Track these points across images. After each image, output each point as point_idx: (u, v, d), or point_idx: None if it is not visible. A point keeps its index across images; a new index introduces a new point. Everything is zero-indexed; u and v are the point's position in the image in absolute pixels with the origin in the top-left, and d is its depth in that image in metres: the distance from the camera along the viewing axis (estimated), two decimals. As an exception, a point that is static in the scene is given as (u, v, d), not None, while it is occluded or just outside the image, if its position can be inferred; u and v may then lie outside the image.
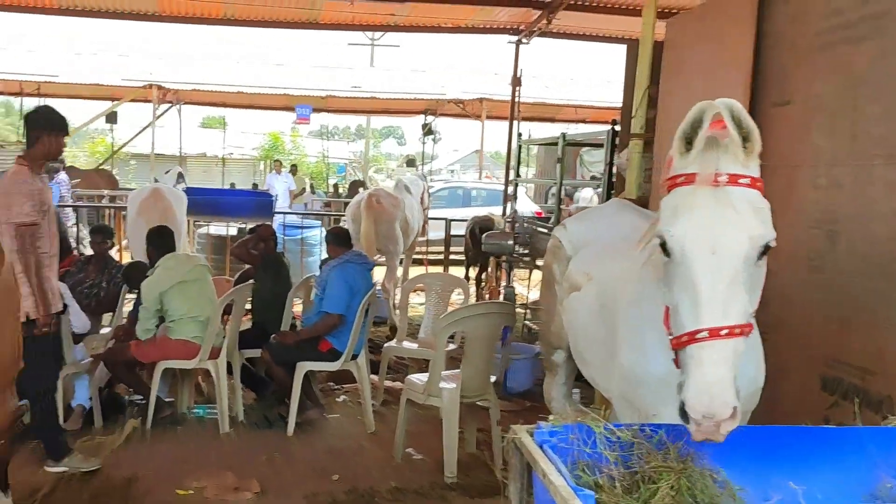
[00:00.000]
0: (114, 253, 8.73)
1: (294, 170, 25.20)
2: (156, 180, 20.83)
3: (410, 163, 30.29)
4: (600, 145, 9.19)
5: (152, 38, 27.80)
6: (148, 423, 6.70)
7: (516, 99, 11.70)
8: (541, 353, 7.61)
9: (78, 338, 6.76)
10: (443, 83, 23.02)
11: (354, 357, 6.95)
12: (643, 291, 3.03)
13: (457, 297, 9.14)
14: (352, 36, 31.12)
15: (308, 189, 25.21)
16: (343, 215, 14.98)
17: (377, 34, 30.65)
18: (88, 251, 9.26)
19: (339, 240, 7.25)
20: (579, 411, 4.23)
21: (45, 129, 5.47)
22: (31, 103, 24.79)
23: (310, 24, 11.50)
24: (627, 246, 3.35)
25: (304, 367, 6.78)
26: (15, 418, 4.42)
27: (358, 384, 7.18)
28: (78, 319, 6.67)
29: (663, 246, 2.46)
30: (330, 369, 7.02)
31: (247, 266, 8.10)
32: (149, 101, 20.99)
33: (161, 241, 7.11)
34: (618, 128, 7.96)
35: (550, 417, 4.81)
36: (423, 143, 26.47)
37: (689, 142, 2.45)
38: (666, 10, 8.25)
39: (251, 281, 7.60)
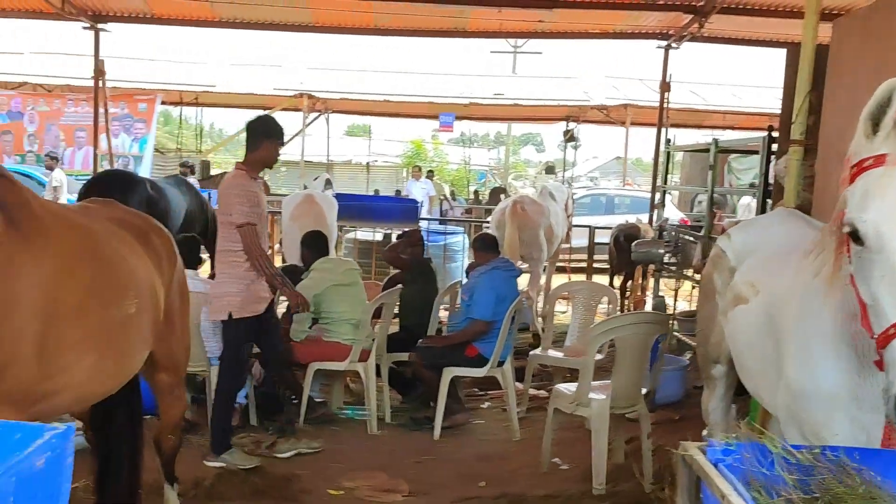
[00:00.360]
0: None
1: (431, 175, 25.48)
2: (305, 187, 21.57)
3: (549, 170, 30.15)
4: (754, 152, 8.89)
5: (303, 48, 28.67)
6: (300, 422, 6.90)
7: (665, 105, 11.47)
8: (689, 364, 7.54)
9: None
10: (586, 89, 22.80)
11: (500, 364, 6.96)
12: (813, 304, 2.90)
13: (603, 306, 9.02)
14: (494, 43, 31.22)
15: (448, 195, 25.44)
16: (484, 221, 15.07)
17: (520, 41, 30.65)
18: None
19: (486, 246, 7.28)
20: (736, 426, 4.09)
21: (267, 136, 5.80)
22: (189, 112, 26.11)
23: (457, 33, 11.62)
24: (797, 256, 3.22)
25: (450, 372, 6.83)
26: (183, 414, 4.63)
27: (504, 391, 7.18)
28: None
29: (854, 234, 2.34)
30: (476, 375, 7.05)
31: (395, 270, 8.25)
32: (299, 110, 21.67)
33: (316, 244, 7.33)
34: (775, 134, 7.68)
35: (704, 432, 4.70)
36: (564, 149, 26.30)
37: (875, 123, 2.33)
38: (829, 11, 7.92)
39: (399, 285, 7.72)
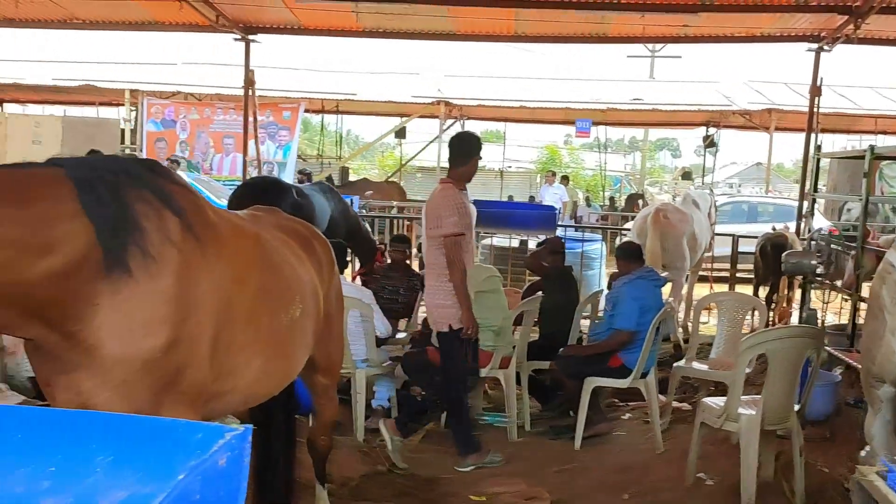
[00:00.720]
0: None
1: (566, 181, 25.30)
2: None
3: (686, 175, 29.46)
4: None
5: (441, 56, 29.02)
6: (441, 427, 6.98)
7: (815, 109, 11.04)
8: (841, 380, 7.21)
9: (380, 342, 7.16)
10: (727, 94, 22.21)
11: (644, 375, 6.84)
12: None
13: (750, 318, 8.74)
14: (631, 48, 30.77)
15: (583, 202, 25.24)
16: (621, 228, 14.86)
17: (657, 45, 30.12)
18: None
19: (630, 255, 7.18)
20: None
21: (476, 153, 6.02)
22: (328, 119, 26.82)
23: (598, 39, 11.54)
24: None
25: (592, 382, 6.76)
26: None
27: (647, 402, 7.06)
28: (382, 324, 7.07)
29: None
30: (619, 386, 6.95)
31: (533, 277, 8.23)
32: (436, 117, 21.97)
33: (458, 251, 7.38)
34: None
35: (861, 453, 4.49)
36: (704, 155, 25.66)
37: None
38: None
39: (540, 293, 7.70)
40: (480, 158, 6.17)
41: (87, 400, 2.55)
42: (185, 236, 2.70)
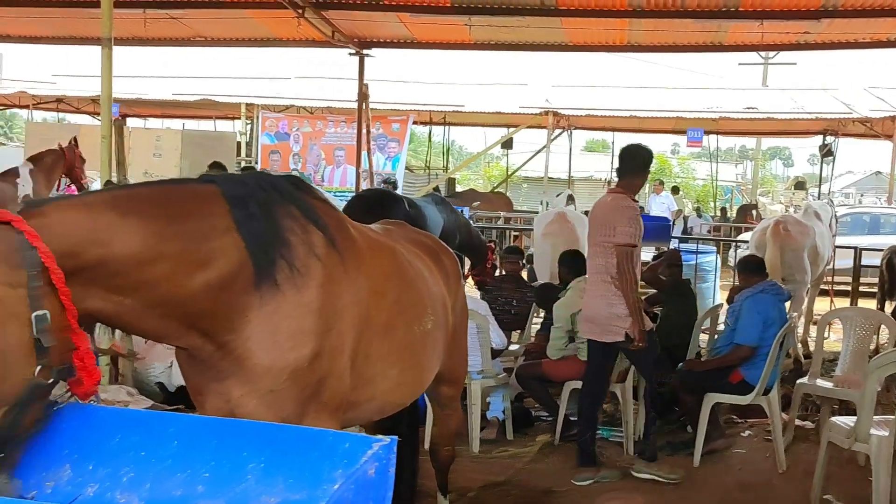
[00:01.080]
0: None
1: (676, 191, 24.86)
2: (543, 202, 21.76)
3: (799, 185, 28.58)
4: None
5: (548, 66, 29.00)
6: (556, 440, 6.95)
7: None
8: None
9: (495, 353, 7.19)
10: (846, 101, 21.46)
11: (766, 392, 6.67)
12: None
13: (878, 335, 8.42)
14: (744, 55, 30.07)
15: (693, 212, 24.75)
16: (735, 240, 14.54)
17: (771, 52, 29.35)
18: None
19: (752, 269, 7.03)
20: None
21: (649, 165, 6.16)
22: (435, 131, 27.07)
23: (713, 47, 11.36)
24: None
25: (712, 398, 6.63)
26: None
27: (769, 419, 6.87)
28: (497, 335, 7.10)
29: None
30: (740, 402, 6.79)
31: (651, 291, 8.13)
32: (543, 128, 21.92)
33: (574, 263, 7.37)
34: None
35: None
36: (821, 164, 24.87)
37: None
38: None
39: (657, 306, 7.60)
40: (650, 172, 6.18)
41: (236, 408, 2.65)
42: (328, 250, 2.79)
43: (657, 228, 11.53)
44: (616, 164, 6.39)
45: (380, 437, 2.33)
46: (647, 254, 12.07)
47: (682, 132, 22.50)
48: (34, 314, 2.11)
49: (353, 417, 3.11)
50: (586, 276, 7.41)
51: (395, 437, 2.32)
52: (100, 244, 2.29)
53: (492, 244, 10.01)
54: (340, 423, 2.92)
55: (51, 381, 2.19)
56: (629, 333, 5.83)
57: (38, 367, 2.14)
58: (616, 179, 6.49)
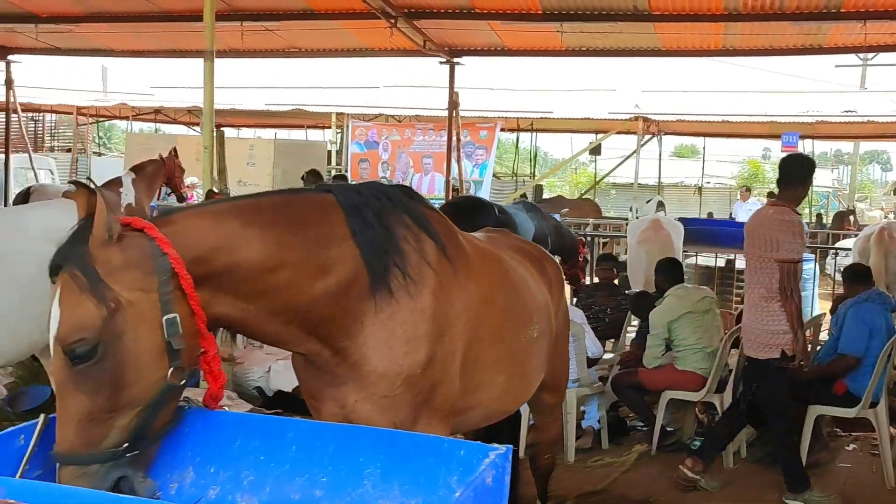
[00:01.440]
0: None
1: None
2: (631, 208, 21.51)
3: (900, 191, 27.60)
4: None
5: (638, 71, 28.69)
6: (653, 450, 6.86)
7: None
8: None
9: (590, 362, 7.13)
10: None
11: (873, 404, 6.45)
12: None
13: None
14: (841, 57, 29.23)
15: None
16: (833, 248, 14.13)
17: (871, 53, 28.46)
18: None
19: (857, 277, 6.83)
20: None
21: (810, 175, 6.06)
22: (523, 138, 27.04)
23: (812, 50, 11.08)
24: None
25: (815, 410, 6.45)
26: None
27: (875, 433, 6.65)
28: (593, 344, 7.05)
29: None
30: (846, 416, 6.59)
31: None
32: (632, 133, 21.68)
33: (671, 271, 7.27)
34: None
35: None
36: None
37: None
38: None
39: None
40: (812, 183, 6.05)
41: (351, 413, 2.70)
42: (440, 258, 2.82)
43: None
44: (777, 175, 6.18)
45: (495, 445, 2.34)
46: (742, 262, 11.86)
47: (776, 136, 21.93)
48: (165, 318, 2.20)
49: (462, 424, 3.13)
50: (684, 283, 7.34)
51: (510, 446, 2.33)
52: (227, 251, 2.38)
53: (582, 238, 9.94)
54: (450, 429, 2.94)
55: (182, 382, 2.28)
56: (786, 351, 5.68)
57: (171, 369, 2.23)
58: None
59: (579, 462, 6.61)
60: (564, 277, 8.54)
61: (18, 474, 2.30)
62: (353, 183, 3.08)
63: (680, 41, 11.01)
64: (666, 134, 23.74)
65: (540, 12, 10.15)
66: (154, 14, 11.57)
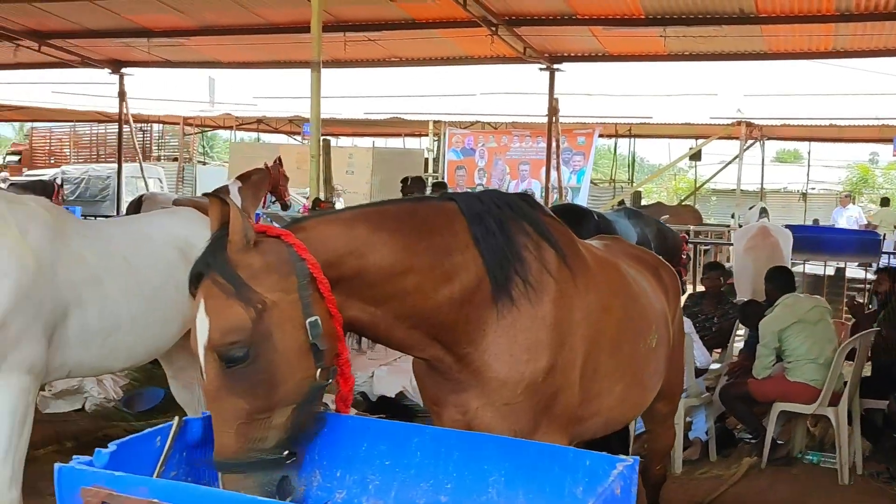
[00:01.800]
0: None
1: (886, 202, 23.38)
2: (733, 215, 21.01)
3: None
4: None
5: (740, 74, 28.06)
6: (763, 463, 6.69)
7: None
8: None
9: (698, 372, 7.00)
10: None
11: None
12: None
13: None
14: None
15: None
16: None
17: None
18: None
19: None
20: None
21: None
22: (621, 144, 26.76)
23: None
24: None
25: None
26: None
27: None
28: (701, 353, 6.93)
29: None
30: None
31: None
32: (734, 138, 21.22)
33: (781, 280, 7.10)
34: None
35: None
36: None
37: None
38: None
39: (875, 326, 7.18)
40: None
41: (472, 420, 2.71)
42: (560, 266, 2.82)
43: (865, 242, 10.90)
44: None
45: (622, 456, 2.32)
46: (853, 270, 11.46)
47: (887, 141, 21.16)
48: (308, 320, 2.28)
49: (579, 433, 3.11)
50: (795, 293, 7.14)
51: (637, 458, 2.31)
52: (357, 255, 2.45)
53: (685, 235, 9.77)
54: (569, 438, 2.93)
55: (328, 382, 2.33)
56: None
57: (318, 370, 2.30)
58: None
59: (686, 473, 6.49)
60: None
61: (155, 474, 2.40)
62: (474, 191, 3.10)
63: (787, 43, 10.74)
64: (769, 139, 23.14)
65: (643, 17, 10.04)
66: (261, 26, 11.88)
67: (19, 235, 3.72)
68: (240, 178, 11.43)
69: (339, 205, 15.45)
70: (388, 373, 7.30)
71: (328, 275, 2.34)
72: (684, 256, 9.34)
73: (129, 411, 7.12)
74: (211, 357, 2.24)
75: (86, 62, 15.46)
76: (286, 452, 2.28)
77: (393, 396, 7.13)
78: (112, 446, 2.29)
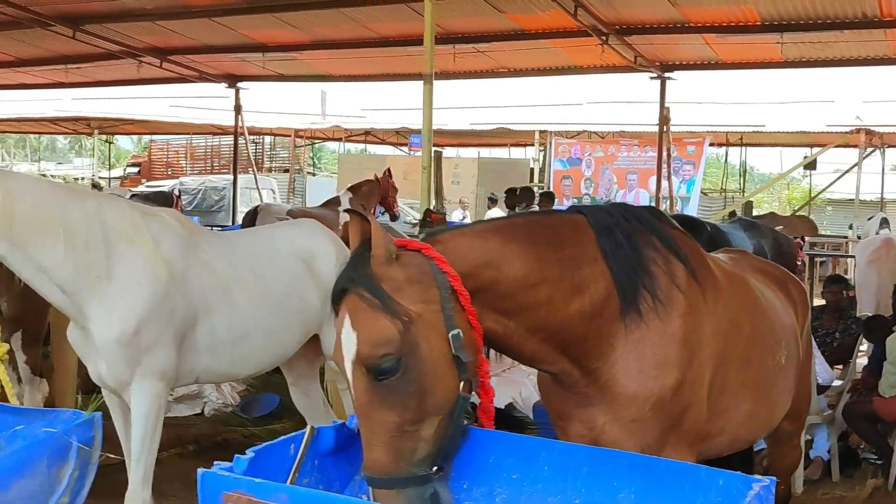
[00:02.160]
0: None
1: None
2: (850, 226, 20.24)
3: None
4: None
5: (859, 81, 27.13)
6: (890, 485, 6.41)
7: None
8: None
9: (820, 388, 6.77)
10: None
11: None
12: None
13: None
14: None
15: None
16: None
17: None
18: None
19: None
20: None
21: None
22: (732, 153, 26.12)
23: None
24: None
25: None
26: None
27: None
28: (824, 369, 6.71)
29: None
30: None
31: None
32: (852, 147, 20.48)
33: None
34: None
35: None
36: None
37: None
38: None
39: None
40: None
41: (599, 435, 2.69)
42: (689, 281, 2.78)
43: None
44: None
45: (758, 476, 2.27)
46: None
47: None
48: (451, 333, 2.31)
49: (705, 450, 3.05)
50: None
51: (773, 478, 2.25)
52: (492, 267, 2.47)
53: (799, 241, 9.46)
54: (696, 456, 2.87)
55: (471, 393, 2.35)
56: None
57: (462, 382, 2.32)
58: None
59: (807, 493, 6.28)
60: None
61: (289, 481, 2.46)
62: (603, 204, 3.08)
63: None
64: (890, 147, 22.21)
65: (759, 23, 9.80)
66: (373, 40, 12.08)
67: (153, 246, 3.87)
68: (351, 189, 11.65)
69: (457, 216, 15.57)
70: (497, 384, 7.24)
71: (466, 286, 2.36)
72: (799, 263, 9.04)
73: (246, 416, 7.30)
74: (359, 371, 2.27)
75: (203, 77, 16.01)
76: (438, 473, 2.30)
77: (503, 408, 7.12)
78: (250, 453, 2.36)
